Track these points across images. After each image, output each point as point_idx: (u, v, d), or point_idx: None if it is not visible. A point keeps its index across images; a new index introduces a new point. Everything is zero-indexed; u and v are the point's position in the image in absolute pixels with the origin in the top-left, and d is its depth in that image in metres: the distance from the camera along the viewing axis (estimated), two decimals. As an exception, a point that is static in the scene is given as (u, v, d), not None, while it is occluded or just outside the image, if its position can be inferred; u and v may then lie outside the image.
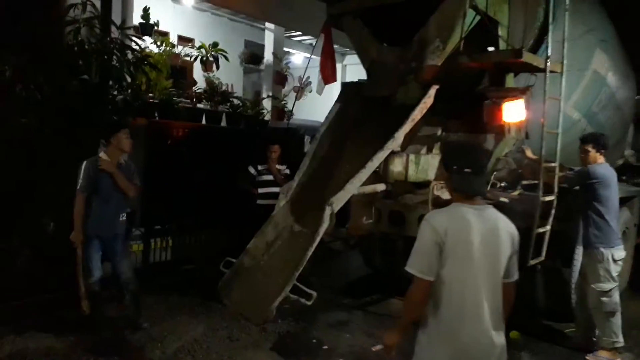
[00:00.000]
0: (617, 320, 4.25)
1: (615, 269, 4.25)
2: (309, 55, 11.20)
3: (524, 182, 4.75)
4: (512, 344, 3.69)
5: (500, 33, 4.39)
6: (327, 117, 4.62)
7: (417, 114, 4.16)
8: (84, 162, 4.13)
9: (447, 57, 4.35)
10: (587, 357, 4.28)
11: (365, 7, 4.73)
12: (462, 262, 2.09)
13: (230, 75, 7.60)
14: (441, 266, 2.09)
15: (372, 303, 5.61)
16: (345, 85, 4.91)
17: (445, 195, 4.56)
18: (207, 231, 6.62)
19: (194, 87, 6.80)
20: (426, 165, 4.97)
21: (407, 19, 4.59)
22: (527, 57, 4.05)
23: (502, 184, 4.80)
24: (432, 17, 4.34)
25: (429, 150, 5.10)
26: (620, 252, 4.28)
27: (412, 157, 4.83)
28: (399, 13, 4.66)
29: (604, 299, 4.21)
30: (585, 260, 4.42)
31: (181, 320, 4.69)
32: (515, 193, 4.60)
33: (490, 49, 4.41)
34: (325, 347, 4.36)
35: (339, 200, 3.74)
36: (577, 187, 4.44)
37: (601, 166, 4.28)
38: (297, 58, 11.12)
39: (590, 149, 4.32)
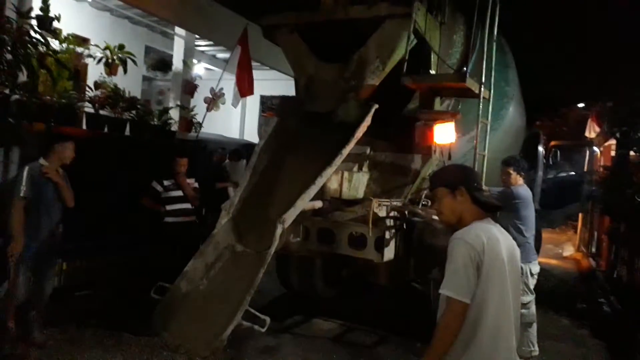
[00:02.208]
0: (534, 330, 4.57)
1: (532, 282, 4.57)
2: (211, 66, 10.86)
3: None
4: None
5: (433, 58, 4.58)
6: (265, 131, 4.41)
7: (361, 131, 4.14)
8: (25, 168, 3.83)
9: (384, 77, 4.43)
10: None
11: (304, 22, 4.64)
12: (499, 282, 1.95)
13: (126, 81, 6.94)
14: (477, 286, 1.93)
15: (296, 325, 5.41)
16: (283, 99, 4.74)
17: (382, 212, 4.59)
18: (108, 253, 5.90)
19: (97, 91, 6.11)
20: (357, 182, 4.99)
21: (343, 36, 4.60)
22: (469, 82, 4.25)
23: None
24: (372, 36, 4.38)
25: (359, 168, 5.13)
26: (536, 267, 4.62)
27: (346, 174, 4.81)
28: (335, 29, 4.65)
29: (523, 311, 4.47)
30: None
31: (92, 356, 4.08)
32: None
33: (432, 72, 4.56)
34: (261, 375, 4.08)
35: (289, 217, 3.56)
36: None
37: (521, 187, 4.60)
38: (199, 68, 10.63)
39: (511, 171, 4.61)
